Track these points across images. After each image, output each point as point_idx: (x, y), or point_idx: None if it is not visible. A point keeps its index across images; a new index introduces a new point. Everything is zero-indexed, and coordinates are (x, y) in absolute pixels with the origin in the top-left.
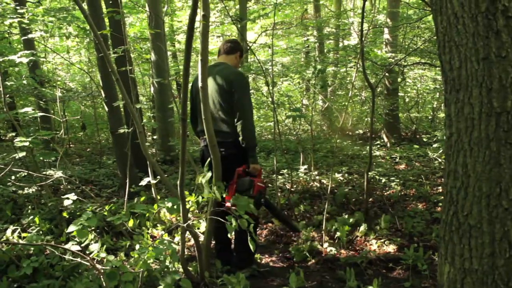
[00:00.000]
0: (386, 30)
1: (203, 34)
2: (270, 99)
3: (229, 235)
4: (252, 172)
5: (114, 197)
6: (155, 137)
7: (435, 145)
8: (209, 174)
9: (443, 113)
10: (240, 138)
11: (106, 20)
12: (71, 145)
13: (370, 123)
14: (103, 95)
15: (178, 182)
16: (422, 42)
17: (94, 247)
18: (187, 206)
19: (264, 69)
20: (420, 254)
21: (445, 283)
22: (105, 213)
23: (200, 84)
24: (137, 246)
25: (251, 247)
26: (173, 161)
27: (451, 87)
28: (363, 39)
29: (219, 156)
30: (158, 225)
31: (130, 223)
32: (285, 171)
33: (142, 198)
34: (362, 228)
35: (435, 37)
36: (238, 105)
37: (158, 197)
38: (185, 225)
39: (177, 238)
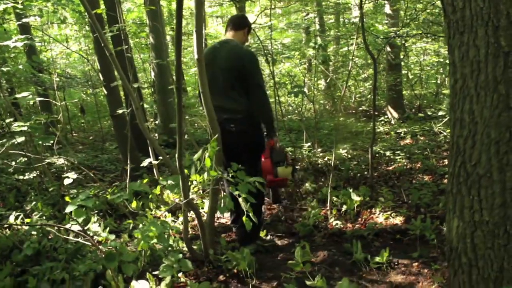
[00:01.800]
0: (387, 4)
1: (197, 4)
2: (272, 79)
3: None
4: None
5: (117, 181)
6: (157, 122)
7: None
8: (199, 153)
9: (447, 88)
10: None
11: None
12: (73, 134)
13: (373, 94)
14: (101, 78)
15: (176, 156)
16: (422, 13)
17: (96, 228)
18: (190, 186)
19: (263, 46)
20: (428, 224)
21: (454, 238)
22: (108, 196)
23: (196, 56)
24: (140, 226)
25: (247, 226)
26: (175, 144)
27: (455, 31)
28: (362, 6)
29: (218, 130)
30: (162, 206)
31: (133, 204)
32: (288, 149)
33: (145, 180)
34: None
35: (435, 10)
36: (253, 85)
37: (161, 179)
38: (185, 201)
39: (181, 218)
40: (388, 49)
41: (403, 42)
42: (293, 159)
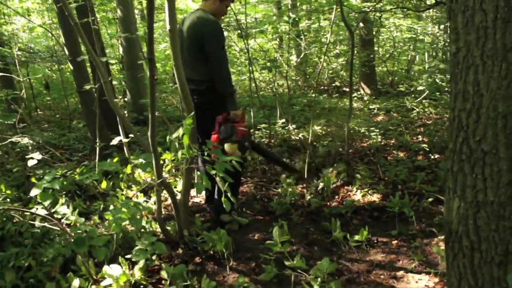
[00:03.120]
0: None
1: None
2: (245, 54)
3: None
4: (234, 118)
5: (86, 161)
6: (126, 98)
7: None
8: (180, 130)
9: (416, 65)
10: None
11: None
12: (38, 112)
13: (350, 70)
14: (67, 52)
15: (148, 133)
16: None
17: (64, 210)
18: (163, 165)
19: (236, 19)
20: (406, 201)
21: (455, 219)
22: (76, 176)
23: (168, 26)
24: (111, 208)
25: (225, 206)
26: (146, 122)
27: None
28: None
29: (193, 106)
30: (133, 185)
31: (103, 184)
32: (262, 125)
33: (115, 159)
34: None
35: None
36: (210, 53)
37: (132, 158)
38: (159, 181)
39: (154, 198)
40: (361, 24)
41: (379, 17)
42: (247, 135)
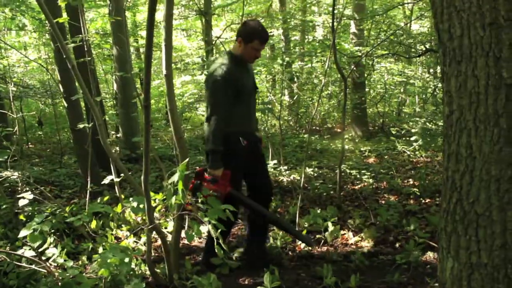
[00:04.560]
0: (352, 24)
1: (167, 17)
2: None
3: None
4: (212, 176)
5: (76, 198)
6: (119, 135)
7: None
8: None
9: (407, 108)
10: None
11: (64, 12)
12: (30, 145)
13: (342, 114)
14: (61, 89)
15: (141, 178)
16: (388, 34)
17: (53, 251)
18: (154, 205)
19: None
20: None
21: (448, 280)
22: (65, 215)
23: (164, 71)
24: (100, 249)
25: (218, 253)
26: (138, 159)
27: (451, 59)
28: (334, 27)
29: (187, 150)
30: (123, 225)
31: (93, 224)
32: None
33: (106, 198)
34: (331, 226)
35: (399, 31)
36: (206, 103)
37: (123, 197)
38: (151, 226)
39: (144, 239)
40: (353, 67)
41: (371, 61)
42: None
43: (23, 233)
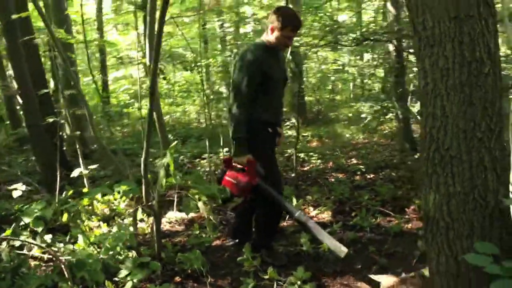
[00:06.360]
0: None
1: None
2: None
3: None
4: (238, 163)
5: (34, 195)
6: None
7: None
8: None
9: (340, 95)
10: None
11: None
12: None
13: (297, 101)
14: (16, 86)
15: (142, 160)
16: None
17: (48, 238)
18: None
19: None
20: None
21: (431, 208)
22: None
23: (147, 62)
24: (80, 237)
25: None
26: (89, 155)
27: (425, 44)
28: None
29: (167, 137)
30: (93, 216)
31: (64, 217)
32: (206, 155)
33: (70, 192)
34: (296, 201)
35: (336, 26)
36: (231, 89)
37: (115, 186)
38: (148, 205)
39: (116, 228)
40: (290, 57)
41: (308, 51)
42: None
43: (26, 220)
